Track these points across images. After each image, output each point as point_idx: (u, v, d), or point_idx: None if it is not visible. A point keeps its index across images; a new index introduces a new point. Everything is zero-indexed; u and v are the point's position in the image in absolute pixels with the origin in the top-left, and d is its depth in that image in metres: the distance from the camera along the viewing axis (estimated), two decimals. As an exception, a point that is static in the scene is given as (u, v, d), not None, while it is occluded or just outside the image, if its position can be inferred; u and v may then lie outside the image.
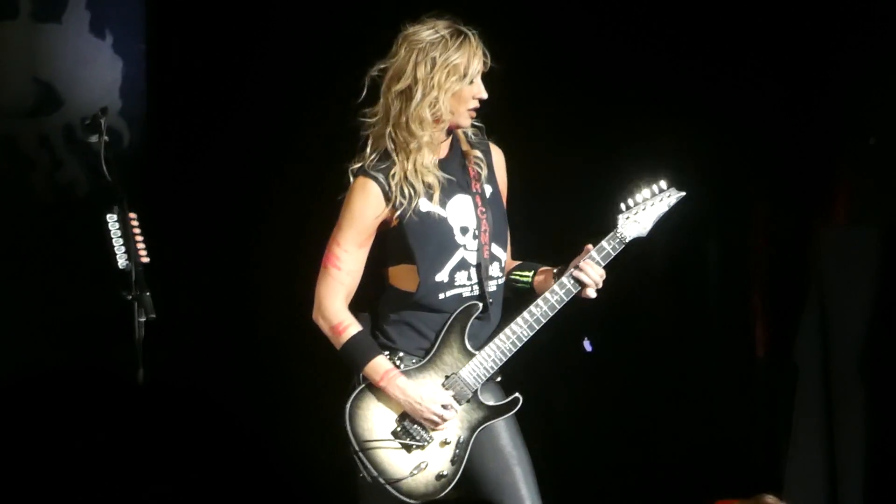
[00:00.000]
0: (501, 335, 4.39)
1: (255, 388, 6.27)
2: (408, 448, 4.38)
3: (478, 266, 4.42)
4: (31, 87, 6.29)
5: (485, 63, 4.37)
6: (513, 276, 4.54)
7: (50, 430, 6.10)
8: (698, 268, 6.30)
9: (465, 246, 4.41)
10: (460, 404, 4.40)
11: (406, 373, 4.38)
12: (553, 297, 4.38)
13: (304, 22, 6.26)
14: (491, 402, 4.43)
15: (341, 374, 4.46)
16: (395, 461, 4.38)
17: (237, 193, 6.30)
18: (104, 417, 6.09)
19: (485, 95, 4.37)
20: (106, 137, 4.35)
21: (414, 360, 4.41)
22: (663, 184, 4.49)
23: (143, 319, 4.21)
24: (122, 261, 4.26)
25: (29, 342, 6.17)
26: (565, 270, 4.41)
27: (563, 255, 4.49)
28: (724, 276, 6.29)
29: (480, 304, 4.40)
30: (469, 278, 4.42)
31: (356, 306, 4.43)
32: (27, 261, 6.21)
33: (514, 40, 5.97)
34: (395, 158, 4.34)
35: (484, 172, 4.47)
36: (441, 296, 4.39)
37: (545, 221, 5.31)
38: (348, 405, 4.38)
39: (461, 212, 4.42)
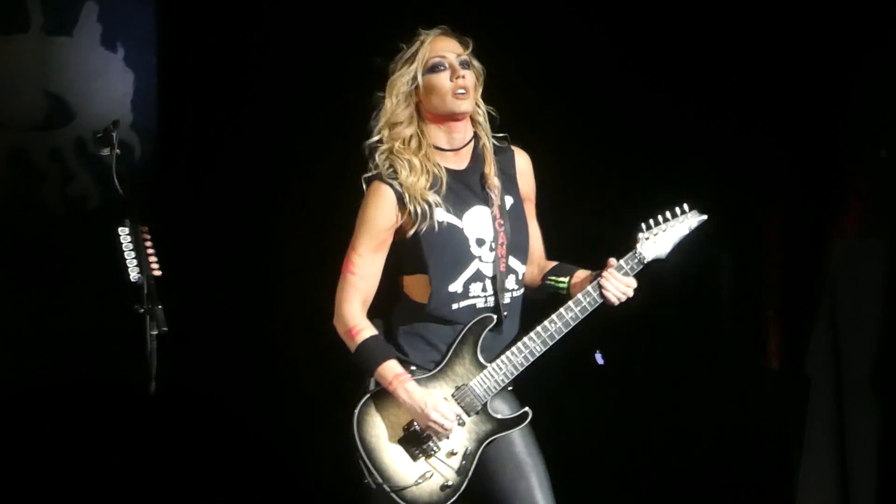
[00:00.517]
0: (514, 349, 4.38)
1: (267, 400, 6.27)
2: (414, 457, 4.37)
3: (493, 278, 4.41)
4: (43, 100, 6.30)
5: (442, 47, 4.36)
6: (549, 281, 4.52)
7: (62, 442, 6.11)
8: (712, 280, 6.29)
9: (480, 257, 4.40)
10: (469, 416, 4.39)
11: (417, 381, 4.38)
12: (569, 313, 4.37)
13: (313, 35, 6.27)
14: (500, 415, 4.42)
15: (354, 384, 4.45)
16: (401, 469, 4.37)
17: (248, 205, 6.30)
18: (116, 430, 6.09)
19: (461, 73, 4.34)
20: (117, 150, 4.36)
21: (425, 372, 4.41)
22: (685, 206, 4.47)
23: (154, 332, 4.20)
24: (133, 274, 4.26)
25: (41, 355, 6.17)
26: (600, 275, 4.40)
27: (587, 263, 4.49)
28: (738, 288, 6.28)
29: (495, 317, 4.39)
30: (484, 290, 4.41)
31: (371, 316, 4.42)
32: (39, 273, 6.21)
33: (542, 54, 6.02)
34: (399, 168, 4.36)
35: (504, 183, 4.46)
36: (454, 306, 4.39)
37: (563, 229, 5.29)
38: (356, 411, 4.38)
39: (478, 223, 4.42)
